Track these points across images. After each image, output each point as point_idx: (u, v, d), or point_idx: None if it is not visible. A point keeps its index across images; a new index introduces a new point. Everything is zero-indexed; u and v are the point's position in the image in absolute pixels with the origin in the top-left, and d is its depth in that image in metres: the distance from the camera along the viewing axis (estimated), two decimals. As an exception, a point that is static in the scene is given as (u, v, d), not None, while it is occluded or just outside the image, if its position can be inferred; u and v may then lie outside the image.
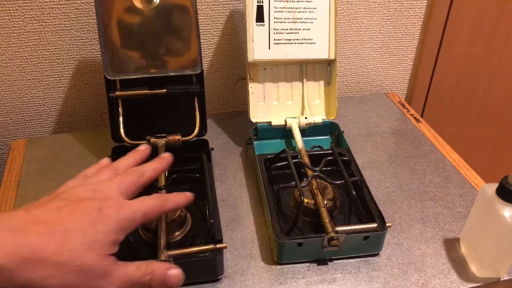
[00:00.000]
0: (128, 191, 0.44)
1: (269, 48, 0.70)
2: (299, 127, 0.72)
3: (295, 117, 0.73)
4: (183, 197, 0.46)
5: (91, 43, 0.75)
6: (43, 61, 0.75)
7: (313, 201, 0.58)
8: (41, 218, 0.37)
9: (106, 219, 0.39)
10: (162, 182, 0.58)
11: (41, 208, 0.38)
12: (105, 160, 0.48)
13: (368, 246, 0.55)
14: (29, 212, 0.38)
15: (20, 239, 0.35)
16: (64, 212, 0.38)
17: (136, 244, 0.55)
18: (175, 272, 0.42)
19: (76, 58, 0.76)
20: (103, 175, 0.45)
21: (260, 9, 0.68)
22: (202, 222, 0.58)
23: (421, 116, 0.96)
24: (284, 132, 0.74)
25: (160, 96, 0.64)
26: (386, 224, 0.54)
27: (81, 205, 0.39)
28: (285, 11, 0.69)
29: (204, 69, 0.72)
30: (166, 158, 0.50)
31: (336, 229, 0.53)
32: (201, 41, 0.77)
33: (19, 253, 0.34)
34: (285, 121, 0.72)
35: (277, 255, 0.54)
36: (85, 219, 0.38)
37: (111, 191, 0.42)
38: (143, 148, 0.50)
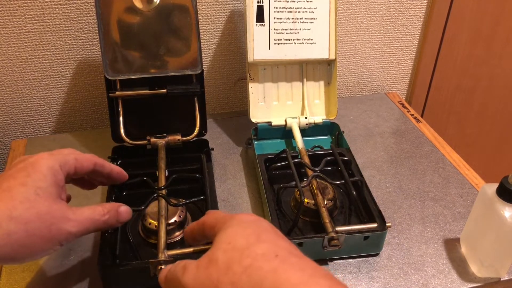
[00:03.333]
0: (62, 160, 0.45)
1: (269, 48, 0.70)
2: (299, 127, 0.72)
3: (295, 117, 0.73)
4: (118, 169, 0.52)
5: (91, 43, 0.75)
6: (43, 61, 0.75)
7: (313, 201, 0.58)
8: None
9: (38, 166, 0.41)
10: (163, 182, 0.58)
11: None
12: None
13: (368, 246, 0.55)
14: None
15: None
16: (3, 177, 0.41)
17: (136, 244, 0.55)
18: (124, 208, 0.47)
19: (76, 58, 0.76)
20: None
21: (260, 9, 0.68)
22: (202, 222, 0.58)
23: (421, 116, 0.96)
24: (284, 132, 0.74)
25: (160, 96, 0.64)
26: (386, 224, 0.54)
27: (15, 167, 0.42)
28: (285, 11, 0.69)
29: (204, 69, 0.72)
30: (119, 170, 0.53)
31: (336, 229, 0.53)
32: (201, 41, 0.77)
33: None
34: (285, 121, 0.72)
35: (277, 255, 0.54)
36: (19, 174, 0.40)
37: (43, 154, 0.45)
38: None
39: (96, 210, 0.44)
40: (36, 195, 0.40)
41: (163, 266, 0.47)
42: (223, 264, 0.31)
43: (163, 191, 0.57)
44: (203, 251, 0.51)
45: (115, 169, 0.52)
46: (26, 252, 0.39)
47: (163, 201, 0.55)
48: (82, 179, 0.51)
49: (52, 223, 0.40)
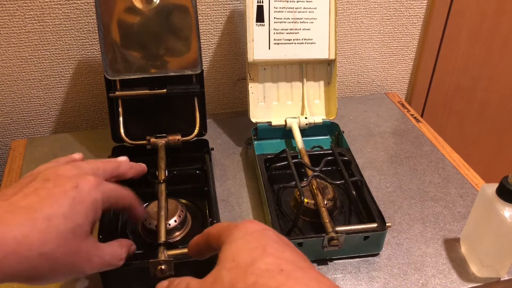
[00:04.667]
0: (104, 176, 0.44)
1: (269, 48, 0.70)
2: (299, 127, 0.72)
3: (295, 117, 0.73)
4: (141, 168, 0.51)
5: (91, 43, 0.75)
6: (43, 61, 0.75)
7: (313, 201, 0.58)
8: (20, 205, 0.36)
9: (84, 197, 0.39)
10: (162, 176, 0.58)
11: (19, 194, 0.37)
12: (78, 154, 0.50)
13: (368, 246, 0.55)
14: (7, 200, 0.37)
15: (2, 232, 0.34)
16: (42, 195, 0.37)
17: (136, 244, 0.55)
18: (134, 247, 0.47)
19: (76, 58, 0.76)
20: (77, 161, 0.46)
21: (260, 9, 0.68)
22: (202, 222, 0.58)
23: (421, 116, 0.96)
24: (284, 132, 0.74)
25: (160, 96, 0.64)
26: (386, 224, 0.54)
27: (58, 184, 0.38)
28: (285, 11, 0.69)
29: (204, 69, 0.72)
30: (142, 165, 0.52)
31: (336, 229, 0.53)
32: (201, 41, 0.77)
33: (3, 248, 0.33)
34: (285, 121, 0.72)
35: (277, 255, 0.54)
36: (64, 200, 0.37)
37: (87, 169, 0.43)
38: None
39: (116, 253, 0.43)
40: (73, 234, 0.37)
41: (163, 266, 0.47)
42: (227, 283, 0.31)
43: (163, 185, 0.57)
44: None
45: (140, 214, 0.49)
46: (42, 281, 0.38)
47: (163, 201, 0.55)
48: None
49: (76, 264, 0.38)
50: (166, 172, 0.60)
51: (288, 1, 0.68)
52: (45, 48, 0.73)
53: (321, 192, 0.58)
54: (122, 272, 0.49)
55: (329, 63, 0.74)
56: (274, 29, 0.69)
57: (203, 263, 0.51)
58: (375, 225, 0.55)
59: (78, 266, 0.38)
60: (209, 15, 0.77)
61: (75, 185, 0.39)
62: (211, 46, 0.80)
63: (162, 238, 0.50)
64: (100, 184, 0.41)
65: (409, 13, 0.86)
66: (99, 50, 0.71)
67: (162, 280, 0.37)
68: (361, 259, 0.56)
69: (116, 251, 0.44)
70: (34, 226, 0.35)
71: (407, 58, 0.92)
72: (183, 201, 0.62)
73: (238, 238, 0.34)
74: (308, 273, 0.31)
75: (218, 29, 0.79)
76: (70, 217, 0.37)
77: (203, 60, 0.77)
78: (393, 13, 0.85)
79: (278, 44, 0.70)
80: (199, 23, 0.75)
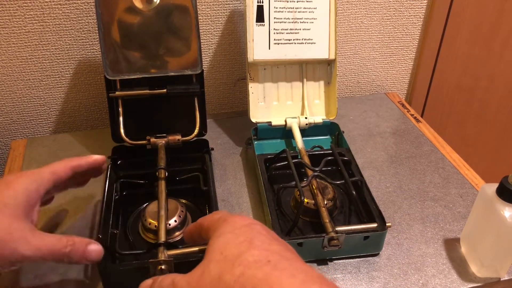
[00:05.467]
0: (49, 169, 0.47)
1: (269, 48, 0.70)
2: (299, 127, 0.72)
3: (295, 117, 0.73)
4: (95, 157, 0.52)
5: (91, 43, 0.75)
6: (43, 61, 0.75)
7: (313, 201, 0.58)
8: None
9: (13, 184, 0.42)
10: (162, 164, 0.58)
11: None
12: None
13: (368, 246, 0.55)
14: None
15: None
16: None
17: (136, 244, 0.55)
18: (94, 247, 0.44)
19: (76, 58, 0.76)
20: None
21: (260, 9, 0.68)
22: (202, 222, 0.58)
23: (421, 116, 0.96)
24: (284, 132, 0.74)
25: (160, 96, 0.64)
26: (386, 224, 0.54)
27: None
28: (285, 11, 0.69)
29: (204, 69, 0.72)
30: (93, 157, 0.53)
31: (336, 229, 0.53)
32: (201, 41, 0.77)
33: None
34: (285, 121, 0.72)
35: (277, 255, 0.54)
36: None
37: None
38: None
39: (59, 240, 0.42)
40: (0, 212, 0.40)
41: (163, 266, 0.47)
42: (216, 275, 0.31)
43: (162, 171, 0.57)
44: (204, 251, 0.51)
45: (91, 160, 0.52)
46: None
47: (163, 201, 0.55)
48: (68, 182, 0.51)
49: (7, 241, 0.39)
50: (166, 172, 0.60)
51: (288, 1, 0.68)
52: (45, 48, 0.73)
53: (321, 192, 0.58)
54: (122, 272, 0.49)
55: (329, 63, 0.74)
56: (274, 29, 0.69)
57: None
58: (375, 225, 0.55)
59: (9, 245, 0.39)
60: (209, 15, 0.77)
61: (7, 179, 0.43)
62: (211, 46, 0.80)
63: (162, 238, 0.50)
64: (31, 174, 0.44)
65: (409, 13, 0.86)
66: (99, 50, 0.71)
67: (146, 279, 0.38)
68: (361, 259, 0.56)
69: (61, 238, 0.43)
70: None
71: (407, 58, 0.92)
72: (183, 201, 0.62)
73: (226, 232, 0.35)
74: (295, 264, 0.32)
75: (218, 29, 0.79)
76: None
77: (203, 60, 0.77)
78: (393, 13, 0.85)
79: (278, 44, 0.70)
80: (199, 23, 0.75)
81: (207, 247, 0.35)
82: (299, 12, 0.69)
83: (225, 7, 0.77)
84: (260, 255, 0.32)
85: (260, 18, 0.68)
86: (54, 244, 0.42)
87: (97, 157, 0.53)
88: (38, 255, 0.41)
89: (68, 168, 0.48)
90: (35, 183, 0.44)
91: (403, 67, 0.93)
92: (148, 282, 0.37)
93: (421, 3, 0.86)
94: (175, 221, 0.55)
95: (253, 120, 0.72)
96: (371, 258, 0.56)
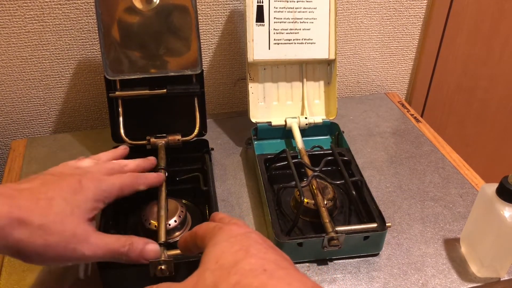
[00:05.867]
0: (109, 174, 0.49)
1: (269, 48, 0.70)
2: (299, 127, 0.72)
3: (295, 117, 0.73)
4: (156, 177, 0.54)
5: (91, 43, 0.75)
6: (43, 61, 0.75)
7: (313, 201, 0.58)
8: (27, 187, 0.42)
9: (85, 189, 0.44)
10: (162, 164, 0.58)
11: (27, 182, 0.43)
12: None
13: (368, 246, 0.55)
14: (17, 184, 0.42)
15: (11, 202, 0.39)
16: (48, 184, 0.43)
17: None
18: (152, 246, 0.46)
19: (76, 58, 0.76)
20: (85, 162, 0.50)
21: (260, 9, 0.68)
22: (202, 222, 0.58)
23: (421, 116, 0.96)
24: (284, 132, 0.74)
25: (160, 96, 0.64)
26: (386, 224, 0.54)
27: (63, 178, 0.44)
28: (285, 11, 0.69)
29: (204, 69, 0.72)
30: (151, 159, 0.57)
31: (336, 229, 0.53)
32: (201, 41, 0.77)
33: (10, 214, 0.39)
34: (285, 121, 0.72)
35: (277, 255, 0.54)
36: (66, 188, 0.43)
37: (92, 169, 0.48)
38: (123, 148, 0.58)
39: (119, 240, 0.44)
40: (71, 213, 0.42)
41: (163, 267, 0.47)
42: (210, 284, 0.31)
43: (162, 171, 0.57)
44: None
45: (152, 183, 0.53)
46: (37, 258, 0.41)
47: (163, 201, 0.55)
48: None
49: (71, 242, 0.41)
50: (166, 172, 0.60)
51: (288, 1, 0.68)
52: (45, 48, 0.73)
53: (321, 192, 0.58)
54: (122, 272, 0.49)
55: (329, 63, 0.74)
56: (274, 29, 0.69)
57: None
58: (375, 225, 0.55)
59: (72, 245, 0.41)
60: (209, 15, 0.77)
61: (78, 181, 0.45)
62: (211, 46, 0.80)
63: (162, 238, 0.50)
64: (100, 181, 0.46)
65: (409, 13, 0.86)
66: (99, 50, 0.71)
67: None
68: (361, 259, 0.56)
69: (120, 237, 0.45)
70: (37, 202, 0.41)
71: (407, 58, 0.92)
72: (183, 201, 0.62)
73: (222, 240, 0.34)
74: (291, 273, 0.31)
75: (218, 29, 0.79)
76: (70, 201, 0.42)
77: (203, 60, 0.78)
78: (393, 13, 0.85)
79: (278, 44, 0.70)
80: (199, 23, 0.75)
81: (202, 256, 0.35)
82: (299, 12, 0.69)
83: (225, 7, 0.77)
84: (256, 264, 0.31)
85: (260, 18, 0.68)
86: (114, 244, 0.44)
87: (158, 178, 0.54)
88: (98, 254, 0.43)
89: (134, 189, 0.50)
90: (104, 194, 0.46)
91: (403, 67, 0.93)
92: None
93: (421, 3, 0.86)
94: (175, 221, 0.55)
95: (253, 120, 0.72)
96: (371, 258, 0.56)
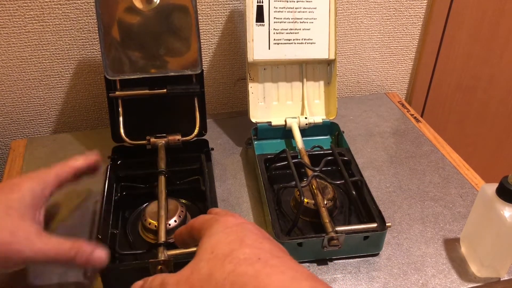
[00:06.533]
0: (51, 172, 0.48)
1: (269, 48, 0.70)
2: (299, 127, 0.72)
3: (295, 117, 0.73)
4: (93, 157, 0.52)
5: (91, 43, 0.75)
6: (43, 61, 0.75)
7: (313, 201, 0.58)
8: None
9: (16, 187, 0.43)
10: (163, 181, 0.58)
11: None
12: None
13: (368, 246, 0.55)
14: None
15: None
16: None
17: (136, 244, 0.55)
18: (100, 253, 0.44)
19: (76, 58, 0.76)
20: None
21: (260, 9, 0.68)
22: (202, 222, 0.58)
23: (421, 116, 0.96)
24: (284, 132, 0.74)
25: (160, 96, 0.64)
26: (386, 224, 0.54)
27: (3, 182, 0.45)
28: (285, 11, 0.69)
29: (204, 69, 0.72)
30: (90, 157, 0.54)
31: (336, 229, 0.53)
32: (201, 41, 0.77)
33: None
34: (285, 121, 0.72)
35: (277, 255, 0.54)
36: (1, 190, 0.43)
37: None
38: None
39: (64, 243, 0.43)
40: (5, 214, 0.41)
41: (163, 266, 0.47)
42: (206, 273, 0.31)
43: (163, 185, 0.57)
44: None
45: (90, 161, 0.52)
46: None
47: (163, 201, 0.55)
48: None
49: (11, 242, 0.40)
50: (166, 174, 0.60)
51: (288, 1, 0.68)
52: (45, 48, 0.73)
53: (321, 192, 0.58)
54: (122, 272, 0.49)
55: (329, 63, 0.74)
56: (274, 29, 0.69)
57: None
58: (375, 225, 0.55)
59: (13, 246, 0.40)
60: (209, 15, 0.77)
61: (12, 182, 0.44)
62: (211, 46, 0.80)
63: (162, 238, 0.50)
64: (36, 177, 0.46)
65: (409, 13, 0.86)
66: (99, 50, 0.71)
67: (137, 281, 0.38)
68: (361, 259, 0.56)
69: (65, 242, 0.43)
70: None
71: (407, 58, 0.92)
72: (183, 201, 0.62)
73: (217, 232, 0.35)
74: (285, 262, 0.32)
75: (218, 29, 0.79)
76: (2, 201, 0.42)
77: (203, 60, 0.77)
78: (393, 13, 0.85)
79: (278, 44, 0.70)
80: (199, 23, 0.75)
81: (198, 247, 0.35)
82: (299, 12, 0.69)
83: (225, 7, 0.77)
84: (251, 253, 0.32)
85: (260, 18, 0.68)
86: (59, 247, 0.42)
87: (94, 157, 0.53)
88: (42, 257, 0.41)
89: (71, 170, 0.50)
90: (41, 185, 0.45)
91: (403, 67, 0.93)
92: (139, 283, 0.38)
93: (421, 3, 0.86)
94: (175, 221, 0.55)
95: (253, 120, 0.72)
96: (371, 258, 0.56)
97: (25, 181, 0.45)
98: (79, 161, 0.51)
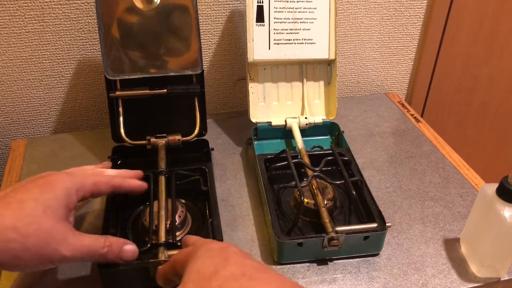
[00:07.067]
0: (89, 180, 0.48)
1: (269, 48, 0.70)
2: (299, 127, 0.72)
3: (295, 117, 0.73)
4: (137, 184, 0.52)
5: (91, 43, 0.75)
6: (44, 61, 0.75)
7: (313, 201, 0.58)
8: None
9: (54, 187, 0.43)
10: (163, 181, 0.58)
11: (1, 191, 0.43)
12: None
13: (368, 246, 0.55)
14: None
15: None
16: (19, 188, 0.43)
17: (136, 244, 0.55)
18: (130, 247, 0.46)
19: (76, 58, 0.76)
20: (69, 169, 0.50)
21: (260, 9, 0.68)
22: (202, 222, 0.58)
23: (421, 116, 0.96)
24: (284, 132, 0.74)
25: (160, 96, 0.64)
26: (386, 224, 0.54)
27: (34, 181, 0.44)
28: (285, 11, 0.69)
29: (204, 69, 0.72)
30: (137, 172, 0.55)
31: (336, 229, 0.53)
32: (201, 41, 0.77)
33: None
34: (285, 121, 0.72)
35: (277, 255, 0.55)
36: (35, 189, 0.42)
37: (68, 171, 0.48)
38: (107, 162, 0.57)
39: (97, 241, 0.44)
40: (43, 213, 0.41)
41: (163, 266, 0.47)
42: None
43: (163, 185, 0.57)
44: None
45: (134, 186, 0.52)
46: (19, 263, 0.40)
47: (163, 201, 0.55)
48: None
49: (49, 242, 0.40)
50: (166, 174, 0.60)
51: (288, 1, 0.68)
52: (45, 48, 0.73)
53: (321, 192, 0.58)
54: (122, 272, 0.49)
55: (329, 63, 0.74)
56: (274, 29, 0.69)
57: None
58: (375, 225, 0.55)
59: (51, 245, 0.41)
60: (209, 15, 0.77)
61: (45, 180, 0.44)
62: (211, 46, 0.80)
63: (162, 238, 0.50)
64: (73, 176, 0.45)
65: (409, 13, 0.86)
66: (99, 50, 0.71)
67: None
68: (361, 259, 0.56)
69: (98, 238, 0.44)
70: (8, 207, 0.40)
71: (407, 58, 0.92)
72: (183, 201, 0.62)
73: (201, 255, 0.36)
74: (270, 275, 0.33)
75: (218, 29, 0.79)
76: (40, 200, 0.42)
77: (203, 60, 0.77)
78: (393, 13, 0.85)
79: (278, 44, 0.70)
80: (199, 23, 0.75)
81: (184, 272, 0.36)
82: (299, 12, 0.69)
83: (225, 7, 0.77)
84: (236, 270, 0.33)
85: (260, 18, 0.68)
86: (93, 245, 0.43)
87: (140, 185, 0.53)
88: (77, 255, 0.42)
89: (110, 186, 0.49)
90: (76, 186, 0.45)
91: (403, 67, 0.93)
92: None
93: (421, 3, 0.86)
94: (175, 221, 0.55)
95: (253, 120, 0.72)
96: (371, 258, 0.56)
97: (61, 179, 0.44)
98: (120, 181, 0.50)
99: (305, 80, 0.74)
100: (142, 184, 0.53)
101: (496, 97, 1.04)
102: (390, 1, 0.84)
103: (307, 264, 0.55)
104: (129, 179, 0.52)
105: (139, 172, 0.56)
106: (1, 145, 0.81)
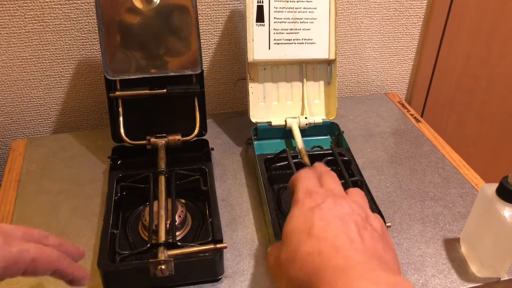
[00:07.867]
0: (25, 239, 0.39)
1: (269, 48, 0.70)
2: (299, 127, 0.72)
3: (295, 117, 0.73)
4: (80, 272, 0.41)
5: (91, 43, 0.75)
6: (43, 61, 0.75)
7: (313, 201, 0.57)
8: None
9: None
10: (163, 181, 0.58)
11: None
12: None
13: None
14: None
15: None
16: None
17: (136, 244, 0.55)
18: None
19: (76, 58, 0.76)
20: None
21: (260, 9, 0.68)
22: (202, 222, 0.58)
23: (421, 116, 0.96)
24: (284, 132, 0.74)
25: (160, 96, 0.64)
26: (386, 224, 0.54)
27: None
28: (285, 11, 0.69)
29: (204, 69, 0.72)
30: (80, 249, 0.44)
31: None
32: (201, 41, 0.77)
33: None
34: (285, 121, 0.72)
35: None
36: None
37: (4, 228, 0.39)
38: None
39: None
40: None
41: (163, 266, 0.47)
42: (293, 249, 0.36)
43: (163, 178, 0.57)
44: (204, 251, 0.51)
45: (78, 277, 0.41)
46: None
47: (163, 201, 0.55)
48: None
49: None
50: (166, 174, 0.60)
51: (288, 1, 0.68)
52: (45, 48, 0.73)
53: (321, 192, 0.58)
54: (122, 272, 0.49)
55: (329, 63, 0.74)
56: (274, 29, 0.69)
57: (203, 263, 0.51)
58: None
59: None
60: (209, 15, 0.77)
61: None
62: (211, 46, 0.80)
63: (162, 238, 0.50)
64: (6, 246, 0.36)
65: (409, 13, 0.86)
66: (99, 50, 0.71)
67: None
68: (361, 259, 0.56)
69: None
70: None
71: (407, 58, 0.92)
72: (183, 201, 0.62)
73: (293, 215, 0.38)
74: (349, 252, 0.34)
75: (218, 29, 0.79)
76: None
77: (203, 60, 0.77)
78: (393, 13, 0.85)
79: (278, 44, 0.70)
80: (199, 23, 0.75)
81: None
82: (299, 12, 0.69)
83: (225, 7, 0.77)
84: (313, 247, 0.34)
85: (260, 18, 0.68)
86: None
87: (85, 279, 0.42)
88: None
89: (51, 268, 0.39)
90: (4, 262, 0.36)
91: (403, 67, 0.93)
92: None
93: (421, 3, 0.86)
94: (175, 221, 0.55)
95: (253, 120, 0.72)
96: (371, 258, 0.56)
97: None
98: (66, 265, 0.40)
99: (305, 80, 0.74)
100: (85, 272, 0.42)
101: (496, 97, 1.04)
102: (390, 1, 0.84)
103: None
104: (75, 266, 0.42)
105: (82, 251, 0.45)
106: (1, 145, 0.81)
